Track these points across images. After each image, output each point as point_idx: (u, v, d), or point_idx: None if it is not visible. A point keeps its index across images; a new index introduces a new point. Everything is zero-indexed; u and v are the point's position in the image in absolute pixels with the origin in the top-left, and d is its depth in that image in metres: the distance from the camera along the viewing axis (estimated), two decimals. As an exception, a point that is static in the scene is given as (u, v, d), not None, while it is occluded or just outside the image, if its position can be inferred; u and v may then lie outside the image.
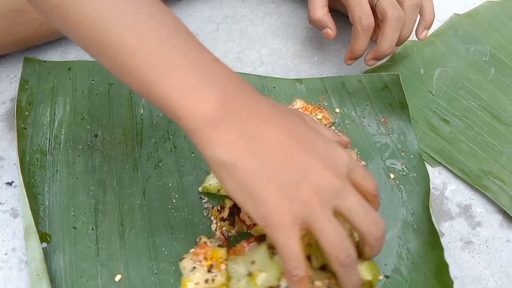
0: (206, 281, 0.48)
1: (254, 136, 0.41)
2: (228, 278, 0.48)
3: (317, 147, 0.43)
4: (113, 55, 0.41)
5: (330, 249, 0.42)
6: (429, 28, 0.69)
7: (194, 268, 0.49)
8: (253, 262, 0.48)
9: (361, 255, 0.47)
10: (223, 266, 0.49)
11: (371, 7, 0.64)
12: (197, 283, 0.49)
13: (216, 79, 0.42)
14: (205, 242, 0.52)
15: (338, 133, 0.58)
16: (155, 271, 0.52)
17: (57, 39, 0.72)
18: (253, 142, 0.41)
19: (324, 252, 0.42)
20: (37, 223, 0.53)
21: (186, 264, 0.50)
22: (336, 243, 0.41)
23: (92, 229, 0.55)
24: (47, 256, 0.52)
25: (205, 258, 0.50)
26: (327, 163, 0.42)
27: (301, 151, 0.42)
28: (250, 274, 0.47)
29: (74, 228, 0.55)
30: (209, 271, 0.49)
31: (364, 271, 0.48)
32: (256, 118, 0.42)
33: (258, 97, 0.44)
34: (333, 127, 0.64)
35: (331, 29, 0.67)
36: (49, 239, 0.54)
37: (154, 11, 0.43)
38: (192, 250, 0.51)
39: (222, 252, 0.50)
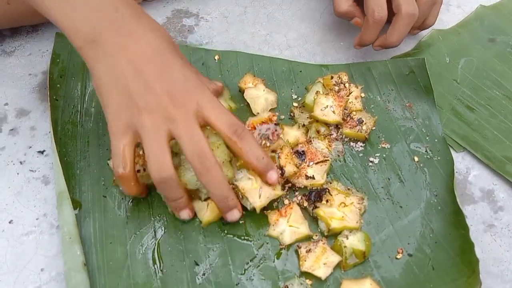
0: (138, 171, 0.53)
1: (115, 49, 0.49)
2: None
3: (174, 76, 0.50)
4: None
5: (148, 164, 0.49)
6: (422, 30, 0.71)
7: None
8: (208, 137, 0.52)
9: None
10: None
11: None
12: None
13: (94, 4, 0.49)
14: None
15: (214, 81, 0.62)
16: (181, 237, 0.53)
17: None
18: (112, 54, 0.49)
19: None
20: (69, 190, 0.54)
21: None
22: (152, 159, 0.48)
23: (122, 198, 0.56)
24: (78, 222, 0.53)
25: (137, 155, 0.54)
26: (172, 92, 0.49)
27: (154, 74, 0.49)
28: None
29: (104, 196, 0.56)
30: (138, 164, 0.54)
31: (357, 241, 0.52)
32: (123, 35, 0.49)
33: (138, 18, 0.51)
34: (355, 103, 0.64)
35: (359, 18, 0.68)
36: (79, 207, 0.55)
37: None
38: None
39: None
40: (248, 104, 0.64)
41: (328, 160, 0.59)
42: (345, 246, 0.51)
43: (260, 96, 0.64)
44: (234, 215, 0.52)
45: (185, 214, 0.53)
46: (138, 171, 0.54)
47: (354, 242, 0.52)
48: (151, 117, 0.48)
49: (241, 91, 0.65)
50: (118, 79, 0.49)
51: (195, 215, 0.54)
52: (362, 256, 0.52)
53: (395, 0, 0.63)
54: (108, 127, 0.49)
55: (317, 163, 0.58)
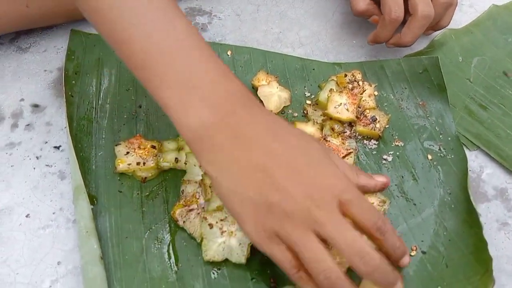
0: (138, 163, 0.56)
1: (234, 159, 0.44)
2: (158, 164, 0.57)
3: (304, 176, 0.44)
4: (130, 55, 0.47)
5: (310, 269, 0.42)
6: (436, 30, 0.71)
7: (128, 153, 0.57)
8: None
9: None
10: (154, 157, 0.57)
11: None
12: (129, 164, 0.56)
13: (211, 96, 0.45)
14: (140, 135, 0.59)
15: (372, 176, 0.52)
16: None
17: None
18: (232, 165, 0.44)
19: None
20: (85, 185, 0.55)
21: (121, 149, 0.57)
22: (314, 264, 0.42)
23: (137, 193, 0.56)
24: (94, 216, 0.53)
25: (139, 147, 0.57)
26: (309, 193, 0.43)
27: (285, 177, 0.43)
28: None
29: (120, 191, 0.56)
30: (141, 156, 0.57)
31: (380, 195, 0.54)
32: (240, 140, 0.44)
33: (255, 116, 0.46)
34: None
35: (377, 16, 0.68)
36: (95, 201, 0.55)
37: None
38: (127, 140, 0.58)
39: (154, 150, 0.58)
40: (261, 102, 0.64)
41: (352, 151, 0.59)
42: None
43: (273, 94, 0.64)
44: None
45: None
46: (138, 163, 0.56)
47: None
48: (293, 224, 0.42)
49: (254, 88, 0.66)
50: (246, 191, 0.43)
51: None
52: (383, 203, 0.54)
53: (412, 1, 0.64)
54: (253, 241, 0.45)
55: (343, 157, 0.58)
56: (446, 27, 0.72)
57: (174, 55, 0.45)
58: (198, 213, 0.53)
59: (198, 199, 0.54)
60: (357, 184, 0.47)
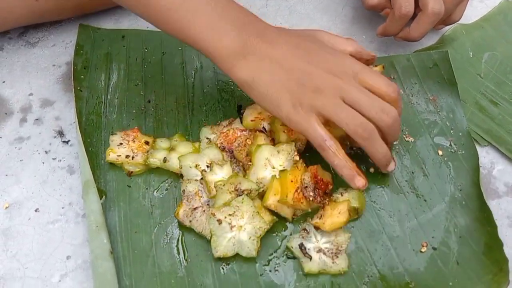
0: (127, 156, 0.56)
1: (264, 56, 0.52)
2: (146, 160, 0.57)
3: (321, 56, 0.53)
4: (153, 12, 0.53)
5: (347, 128, 0.51)
6: (447, 25, 0.71)
7: (121, 144, 0.58)
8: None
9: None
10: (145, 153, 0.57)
11: None
12: (119, 156, 0.57)
13: (234, 20, 0.53)
14: (138, 128, 0.59)
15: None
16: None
17: (112, 8, 0.73)
18: (264, 61, 0.52)
19: (346, 132, 0.51)
20: (94, 180, 0.55)
21: (115, 138, 0.58)
22: (349, 121, 0.50)
23: (146, 188, 0.56)
24: (103, 211, 0.53)
25: (133, 140, 0.58)
26: (329, 68, 0.52)
27: (305, 62, 0.52)
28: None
29: (129, 186, 0.56)
30: (132, 150, 0.57)
31: (352, 199, 0.54)
32: (265, 44, 0.53)
33: (266, 27, 0.55)
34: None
35: (389, 9, 0.68)
36: (104, 196, 0.55)
37: None
38: (124, 131, 0.59)
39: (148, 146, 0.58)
40: None
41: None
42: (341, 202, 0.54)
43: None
44: (392, 166, 0.56)
45: (392, 166, 0.56)
46: (127, 156, 0.56)
47: (351, 200, 0.54)
48: (325, 95, 0.51)
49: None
50: (280, 79, 0.52)
51: None
52: (355, 213, 0.55)
53: None
54: (292, 122, 0.52)
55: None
56: (457, 22, 0.71)
57: None
58: (204, 211, 0.53)
59: (201, 197, 0.54)
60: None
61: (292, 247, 0.52)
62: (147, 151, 0.57)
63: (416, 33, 0.65)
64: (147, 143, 0.58)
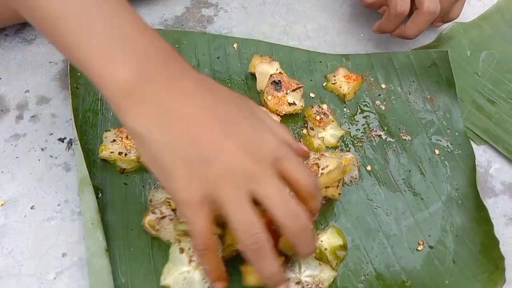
0: (120, 153, 0.56)
1: (168, 110, 0.41)
2: (138, 157, 0.56)
3: (240, 129, 0.43)
4: (39, 18, 0.42)
5: (236, 232, 0.41)
6: (445, 23, 0.70)
7: (114, 140, 0.57)
8: None
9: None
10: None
11: None
12: (111, 152, 0.56)
13: (136, 49, 0.41)
14: None
15: (295, 141, 0.48)
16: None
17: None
18: (166, 116, 0.41)
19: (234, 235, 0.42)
20: (90, 177, 0.54)
21: (109, 135, 0.57)
22: (242, 227, 0.41)
23: (143, 186, 0.56)
24: (99, 209, 0.53)
25: (127, 137, 0.57)
26: (245, 147, 0.42)
27: (218, 131, 0.42)
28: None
29: (125, 184, 0.56)
30: (125, 147, 0.56)
31: (335, 237, 0.51)
32: (174, 93, 0.42)
33: (185, 72, 0.43)
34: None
35: (387, 6, 0.68)
36: (100, 194, 0.55)
37: None
38: (118, 128, 0.58)
39: None
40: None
41: (302, 86, 0.62)
42: (325, 249, 0.51)
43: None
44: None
45: None
46: (120, 153, 0.56)
47: (330, 240, 0.51)
48: (230, 183, 0.41)
49: (253, 75, 0.65)
50: (180, 145, 0.41)
51: None
52: (344, 248, 0.52)
53: None
54: (178, 203, 0.44)
55: (293, 90, 0.61)
56: (454, 21, 0.71)
57: (92, 11, 0.41)
58: (171, 219, 0.51)
59: (170, 205, 0.52)
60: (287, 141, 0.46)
61: None
62: None
63: (412, 31, 0.65)
64: None
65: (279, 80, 0.61)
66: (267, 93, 0.61)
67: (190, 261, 0.47)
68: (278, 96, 0.61)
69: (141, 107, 0.41)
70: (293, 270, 0.49)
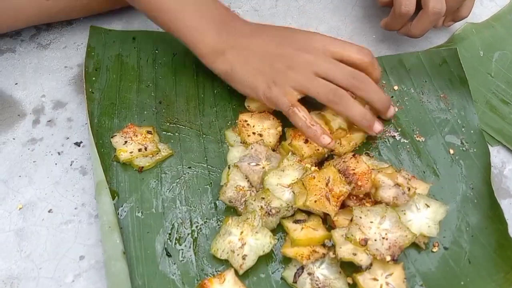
0: (140, 150, 0.58)
1: (241, 49, 0.59)
2: (157, 147, 0.59)
3: (292, 38, 0.59)
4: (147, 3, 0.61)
5: (318, 96, 0.56)
6: (456, 21, 0.70)
7: (126, 142, 0.59)
8: None
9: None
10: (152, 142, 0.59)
11: None
12: (131, 152, 0.58)
13: (215, 20, 0.60)
14: (132, 123, 0.60)
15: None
16: (218, 227, 0.54)
17: (121, 9, 0.74)
18: (240, 54, 0.59)
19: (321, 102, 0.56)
20: (107, 181, 0.55)
21: (118, 139, 0.59)
22: (320, 89, 0.56)
23: (158, 189, 0.56)
24: (115, 212, 0.54)
25: (135, 135, 0.59)
26: (299, 46, 0.57)
27: (276, 45, 0.58)
28: None
29: (141, 187, 0.57)
30: (140, 143, 0.59)
31: (341, 121, 0.58)
32: (242, 38, 0.60)
33: (244, 24, 0.62)
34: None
35: None
36: (116, 197, 0.56)
37: None
38: (121, 130, 0.60)
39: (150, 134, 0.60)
40: None
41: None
42: None
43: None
44: (378, 127, 0.58)
45: (378, 127, 0.58)
46: (140, 150, 0.58)
47: (339, 121, 0.59)
48: (297, 71, 0.56)
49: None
50: (254, 66, 0.58)
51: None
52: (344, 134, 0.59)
53: None
54: (268, 100, 0.57)
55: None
56: (466, 21, 0.71)
57: None
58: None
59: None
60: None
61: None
62: (153, 140, 0.59)
63: (417, 31, 0.66)
64: (149, 132, 0.59)
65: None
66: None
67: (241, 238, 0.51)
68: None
69: (224, 56, 0.59)
70: (313, 263, 0.50)
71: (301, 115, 0.56)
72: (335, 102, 0.56)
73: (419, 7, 0.65)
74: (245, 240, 0.51)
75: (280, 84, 0.56)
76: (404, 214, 0.52)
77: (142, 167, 0.57)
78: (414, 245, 0.53)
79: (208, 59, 0.60)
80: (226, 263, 0.51)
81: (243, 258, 0.50)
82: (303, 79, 0.56)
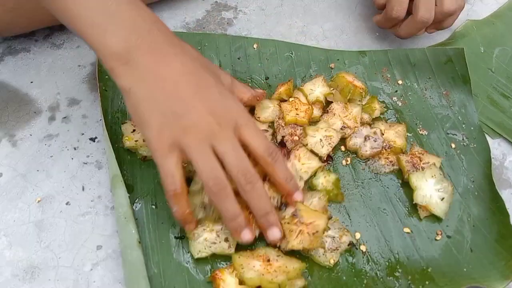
0: (144, 140, 0.58)
1: (150, 71, 0.49)
2: None
3: (211, 95, 0.50)
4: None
5: (200, 175, 0.48)
6: (439, 30, 0.72)
7: (134, 130, 0.60)
8: None
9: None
10: None
11: None
12: (136, 141, 0.59)
13: (124, 21, 0.49)
14: None
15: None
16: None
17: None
18: (147, 76, 0.49)
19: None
20: (122, 174, 0.57)
21: (127, 127, 0.61)
22: (205, 170, 0.48)
23: (171, 181, 0.59)
24: (131, 204, 0.56)
25: None
26: (212, 110, 0.49)
27: (193, 93, 0.49)
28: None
29: (154, 180, 0.59)
30: None
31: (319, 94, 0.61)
32: (156, 56, 0.49)
33: (168, 39, 0.51)
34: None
35: None
36: (132, 190, 0.58)
37: None
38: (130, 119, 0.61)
39: None
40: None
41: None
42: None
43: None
44: (274, 234, 0.51)
45: (247, 235, 0.51)
46: (144, 140, 0.58)
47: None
48: (195, 135, 0.48)
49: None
50: (157, 99, 0.48)
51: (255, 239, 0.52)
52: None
53: (416, 3, 0.67)
54: (151, 148, 0.49)
55: None
56: (467, 18, 0.74)
57: None
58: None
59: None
60: None
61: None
62: None
63: (403, 33, 0.70)
64: None
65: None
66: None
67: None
68: None
69: (128, 68, 0.49)
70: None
71: (179, 197, 0.50)
72: (212, 192, 0.49)
73: (410, 11, 0.68)
74: (215, 228, 0.53)
75: (172, 140, 0.48)
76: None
77: (145, 156, 0.60)
78: (419, 233, 0.55)
79: (107, 64, 0.49)
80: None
81: (226, 240, 0.53)
82: (196, 148, 0.48)
